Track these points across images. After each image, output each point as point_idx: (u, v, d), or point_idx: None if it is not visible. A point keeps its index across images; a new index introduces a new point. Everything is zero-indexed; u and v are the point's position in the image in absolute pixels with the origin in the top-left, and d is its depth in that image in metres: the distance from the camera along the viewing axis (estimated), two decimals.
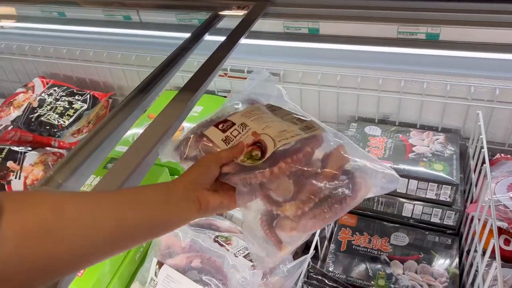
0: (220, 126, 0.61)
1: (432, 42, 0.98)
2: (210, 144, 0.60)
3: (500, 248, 0.89)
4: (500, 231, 0.89)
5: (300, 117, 0.62)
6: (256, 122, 0.60)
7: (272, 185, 0.55)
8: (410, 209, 0.99)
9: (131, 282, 0.90)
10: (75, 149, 0.74)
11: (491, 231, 0.79)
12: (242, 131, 0.60)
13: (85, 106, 1.35)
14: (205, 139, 0.61)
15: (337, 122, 1.20)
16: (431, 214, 0.98)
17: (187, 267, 0.82)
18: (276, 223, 0.55)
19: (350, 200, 0.55)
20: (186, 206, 0.52)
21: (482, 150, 0.89)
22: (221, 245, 0.86)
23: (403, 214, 1.01)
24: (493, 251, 0.75)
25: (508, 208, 0.86)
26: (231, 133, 0.60)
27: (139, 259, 0.96)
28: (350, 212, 1.06)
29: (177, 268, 0.81)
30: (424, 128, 1.12)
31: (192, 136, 0.62)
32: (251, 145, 0.57)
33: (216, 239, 0.88)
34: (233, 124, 0.61)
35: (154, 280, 0.82)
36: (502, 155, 1.03)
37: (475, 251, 0.85)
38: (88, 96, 1.38)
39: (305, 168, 0.55)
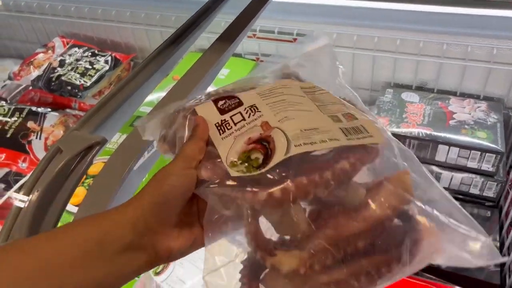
0: (219, 104, 0.42)
1: (481, 0, 0.91)
2: None
3: None
4: None
5: (350, 112, 0.41)
6: (273, 108, 0.40)
7: (272, 216, 0.37)
8: (448, 179, 0.94)
9: None
10: (98, 104, 0.71)
11: None
12: (249, 117, 0.40)
13: (107, 67, 1.31)
14: (194, 118, 0.41)
15: (370, 89, 1.14)
16: (470, 185, 0.93)
17: None
18: (264, 277, 0.37)
19: (401, 267, 0.34)
20: (130, 260, 0.34)
21: None
22: None
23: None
24: None
25: None
26: (231, 117, 0.40)
27: None
28: None
29: None
30: (464, 96, 1.05)
31: (180, 109, 0.43)
32: (253, 142, 0.38)
33: None
34: (240, 104, 0.41)
35: None
36: None
37: None
38: (110, 57, 1.34)
39: (332, 198, 0.36)
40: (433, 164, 0.95)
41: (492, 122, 0.95)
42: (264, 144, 0.37)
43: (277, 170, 0.35)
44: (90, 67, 1.30)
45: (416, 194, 0.36)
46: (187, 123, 0.41)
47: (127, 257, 0.34)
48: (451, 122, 0.95)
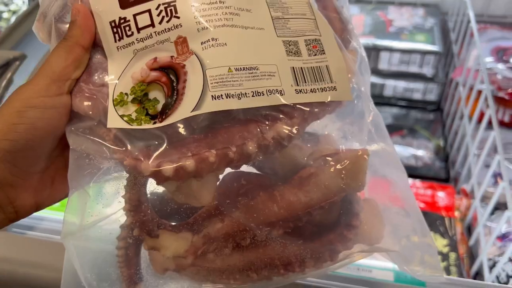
0: None
1: None
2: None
3: (483, 112, 0.88)
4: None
5: (319, 38, 0.30)
6: (201, 14, 0.28)
7: (166, 184, 0.29)
8: (392, 87, 0.96)
9: None
10: (17, 19, 0.64)
11: (476, 99, 0.77)
12: (161, 22, 0.28)
13: (24, 6, 1.19)
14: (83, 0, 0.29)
15: None
16: (412, 90, 0.95)
17: None
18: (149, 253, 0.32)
19: (318, 266, 0.30)
20: None
21: (469, 24, 0.84)
22: None
23: (385, 94, 0.98)
24: (482, 115, 0.73)
25: (493, 71, 0.84)
26: (135, 17, 0.28)
27: None
28: None
29: None
30: (401, 4, 1.05)
31: None
32: (159, 68, 0.27)
33: None
34: None
35: None
36: (481, 25, 1.00)
37: (460, 118, 0.83)
38: None
39: (257, 170, 0.31)
40: (377, 74, 0.95)
41: (430, 26, 0.96)
42: (172, 79, 0.27)
43: (180, 130, 0.26)
44: (4, 9, 1.18)
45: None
46: (72, 8, 0.28)
47: None
48: (391, 29, 0.95)
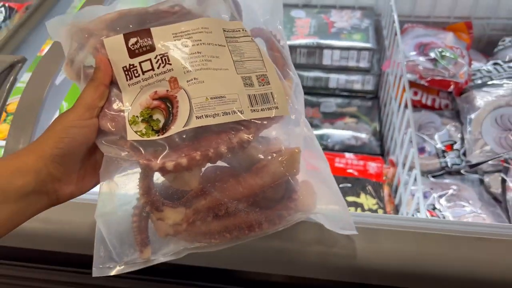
0: (131, 42, 0.40)
1: None
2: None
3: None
4: (411, 85, 1.04)
5: (266, 73, 0.42)
6: (186, 62, 0.40)
7: (166, 175, 0.41)
8: (335, 80, 1.12)
9: None
10: (15, 27, 0.72)
11: (399, 85, 0.93)
12: (159, 67, 0.39)
13: (1, 17, 1.27)
14: (102, 52, 0.40)
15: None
16: (353, 82, 1.12)
17: None
18: (154, 221, 0.43)
19: (270, 227, 0.43)
20: (33, 203, 0.37)
21: (394, 24, 1.01)
22: None
23: (329, 86, 1.13)
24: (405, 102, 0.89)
25: (415, 62, 1.01)
26: (140, 64, 0.39)
27: None
28: None
29: None
30: (342, 8, 1.21)
31: (92, 33, 0.41)
32: (159, 98, 0.39)
33: None
34: (152, 48, 0.39)
35: None
36: (409, 24, 1.17)
37: (390, 102, 1.00)
38: (3, 7, 1.30)
39: (228, 164, 0.42)
40: (322, 69, 1.11)
41: (365, 26, 1.12)
42: (168, 106, 0.39)
43: (175, 140, 0.38)
44: None
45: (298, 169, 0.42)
46: (96, 58, 0.40)
47: (30, 201, 0.37)
48: (332, 29, 1.11)
